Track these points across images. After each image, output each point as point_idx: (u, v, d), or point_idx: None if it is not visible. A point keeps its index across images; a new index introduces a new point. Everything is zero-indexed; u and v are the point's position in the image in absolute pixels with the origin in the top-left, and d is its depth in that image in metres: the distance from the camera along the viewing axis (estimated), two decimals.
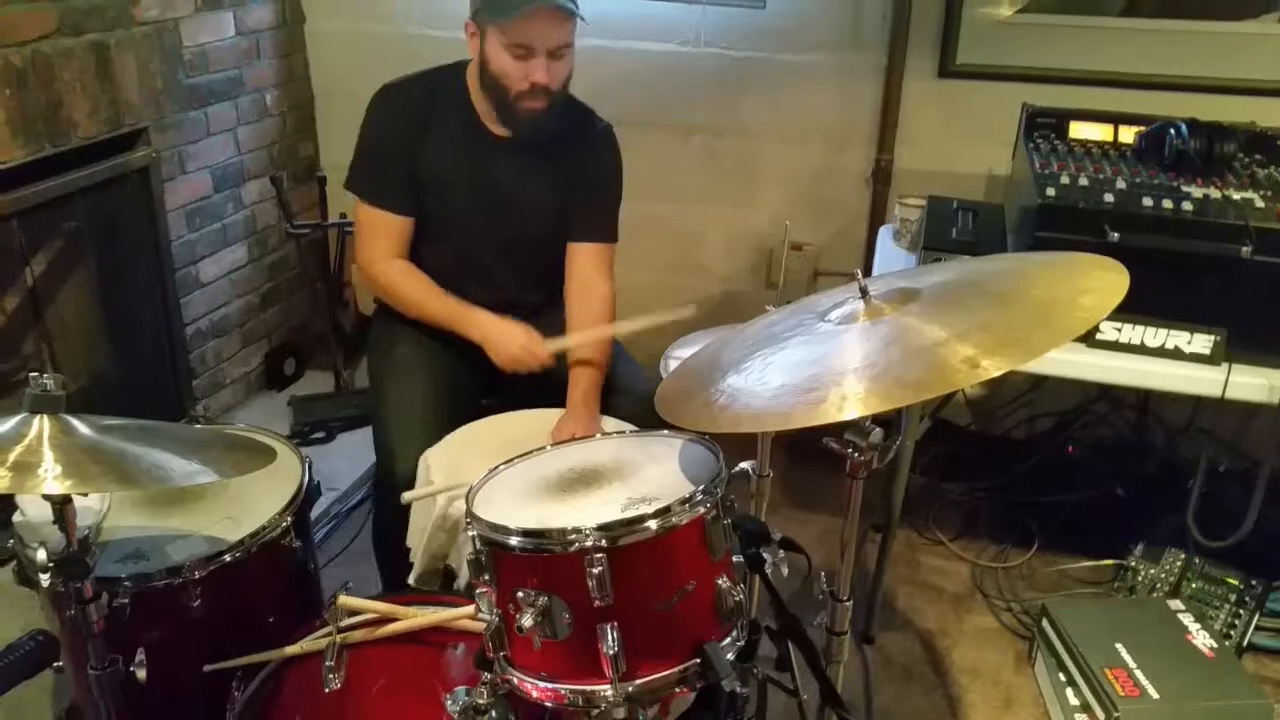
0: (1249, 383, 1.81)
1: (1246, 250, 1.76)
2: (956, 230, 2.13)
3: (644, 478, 1.28)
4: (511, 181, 1.95)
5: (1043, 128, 2.18)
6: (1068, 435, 2.75)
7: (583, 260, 1.99)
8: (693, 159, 2.86)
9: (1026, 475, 2.69)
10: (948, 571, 2.47)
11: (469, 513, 1.22)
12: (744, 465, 1.66)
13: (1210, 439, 2.48)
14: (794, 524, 2.51)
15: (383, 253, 1.94)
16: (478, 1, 1.82)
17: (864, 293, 1.28)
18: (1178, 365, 1.84)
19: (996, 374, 1.06)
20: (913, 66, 2.61)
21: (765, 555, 1.29)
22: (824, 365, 1.16)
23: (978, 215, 2.20)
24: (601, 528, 1.11)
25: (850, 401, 1.07)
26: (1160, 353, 1.85)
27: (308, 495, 1.64)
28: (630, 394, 1.94)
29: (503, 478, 1.35)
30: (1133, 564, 2.31)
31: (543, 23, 1.75)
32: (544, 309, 2.02)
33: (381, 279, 1.96)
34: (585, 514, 1.17)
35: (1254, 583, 2.23)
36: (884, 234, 2.49)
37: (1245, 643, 2.18)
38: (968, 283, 1.34)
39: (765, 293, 2.92)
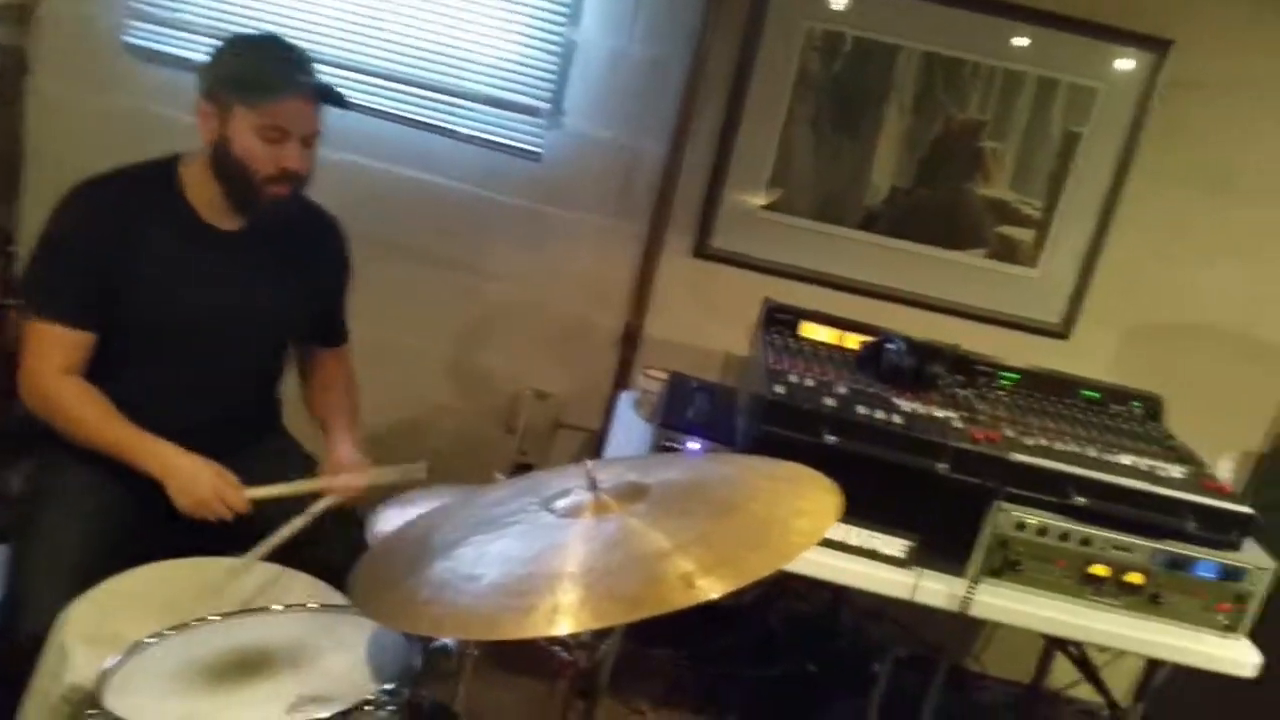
0: (936, 589, 1.93)
1: (943, 467, 1.91)
2: (693, 410, 2.18)
3: (321, 669, 1.14)
4: (241, 278, 1.80)
5: (779, 323, 2.31)
6: (769, 608, 2.83)
7: (329, 363, 2.01)
8: (441, 292, 2.80)
9: (728, 646, 2.73)
10: None
11: (97, 702, 1.01)
12: (445, 640, 1.53)
13: (895, 626, 2.63)
14: (500, 689, 2.40)
15: (55, 368, 1.68)
16: (220, 78, 1.67)
17: (593, 484, 1.24)
18: (874, 566, 1.94)
19: (712, 597, 1.04)
20: (671, 242, 2.71)
21: None
22: (540, 565, 1.10)
23: (714, 397, 2.27)
24: None
25: (561, 614, 1.02)
26: (859, 552, 1.94)
27: None
28: (340, 545, 1.74)
29: (151, 654, 1.14)
30: None
31: (305, 107, 1.68)
32: (262, 435, 1.90)
33: (50, 398, 1.69)
34: (241, 715, 1.00)
35: None
36: (625, 399, 2.51)
37: None
38: (696, 484, 1.34)
39: (503, 437, 2.85)
